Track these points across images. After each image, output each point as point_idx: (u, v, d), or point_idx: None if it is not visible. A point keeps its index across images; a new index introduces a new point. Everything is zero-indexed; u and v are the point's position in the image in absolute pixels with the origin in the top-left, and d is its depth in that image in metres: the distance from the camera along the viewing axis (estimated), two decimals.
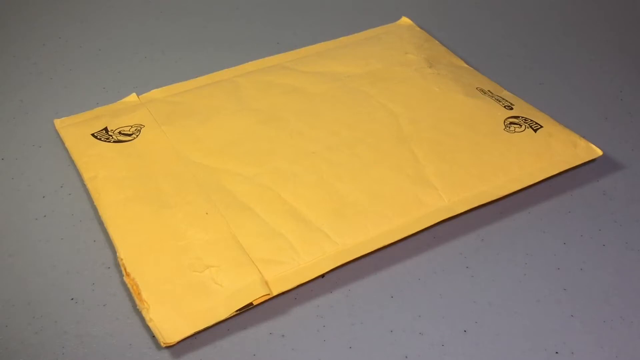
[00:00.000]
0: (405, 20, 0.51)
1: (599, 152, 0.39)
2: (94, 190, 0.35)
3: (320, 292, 0.32)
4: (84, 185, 0.37)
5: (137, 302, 0.30)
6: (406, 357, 0.29)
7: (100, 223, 0.35)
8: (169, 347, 0.29)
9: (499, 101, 0.42)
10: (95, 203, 0.35)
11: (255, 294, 0.30)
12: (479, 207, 0.36)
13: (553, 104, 0.44)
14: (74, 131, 0.39)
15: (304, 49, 0.48)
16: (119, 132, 0.39)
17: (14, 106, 0.43)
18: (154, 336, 0.30)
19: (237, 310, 0.29)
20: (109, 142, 0.38)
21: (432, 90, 0.42)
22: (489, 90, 0.43)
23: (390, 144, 0.38)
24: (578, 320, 0.31)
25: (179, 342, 0.29)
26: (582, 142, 0.39)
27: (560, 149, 0.38)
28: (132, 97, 0.42)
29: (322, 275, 0.32)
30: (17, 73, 0.46)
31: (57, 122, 0.40)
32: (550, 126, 0.40)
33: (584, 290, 0.32)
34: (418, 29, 0.50)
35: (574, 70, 0.48)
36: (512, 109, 0.41)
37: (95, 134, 0.39)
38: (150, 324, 0.29)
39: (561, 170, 0.38)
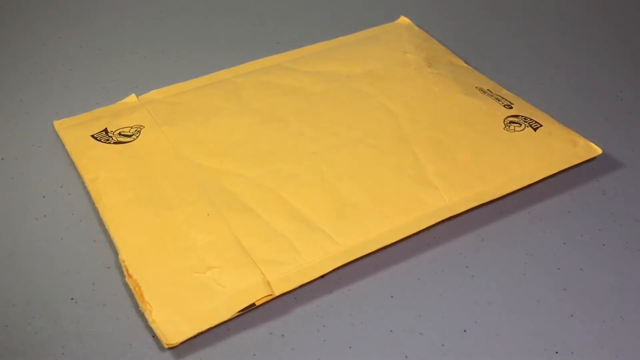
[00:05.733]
0: (403, 19, 0.51)
1: (599, 151, 0.39)
2: (94, 192, 0.35)
3: (320, 292, 0.32)
4: (83, 185, 0.37)
5: (140, 303, 0.30)
6: (406, 357, 0.29)
7: (101, 223, 0.35)
8: (171, 348, 0.29)
9: (499, 100, 0.42)
10: (96, 205, 0.35)
11: (258, 295, 0.30)
12: (479, 207, 0.36)
13: (553, 104, 0.44)
14: (74, 133, 0.39)
15: (303, 49, 0.48)
16: (119, 133, 0.39)
17: (14, 106, 0.43)
18: (154, 336, 0.30)
19: (239, 311, 0.29)
20: (109, 143, 0.38)
21: (431, 90, 0.42)
22: (488, 90, 0.43)
23: (391, 143, 0.38)
24: (578, 320, 0.31)
25: (181, 343, 0.29)
26: (582, 141, 0.39)
27: (560, 147, 0.38)
28: (132, 98, 0.42)
29: (322, 276, 0.32)
30: (17, 73, 0.46)
31: (57, 124, 0.40)
32: (549, 125, 0.40)
33: (584, 290, 0.32)
34: (417, 28, 0.50)
35: (574, 70, 0.48)
36: (511, 108, 0.41)
37: (95, 136, 0.39)
38: (153, 325, 0.29)
39: (561, 168, 0.38)
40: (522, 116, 0.40)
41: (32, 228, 0.35)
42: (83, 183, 0.37)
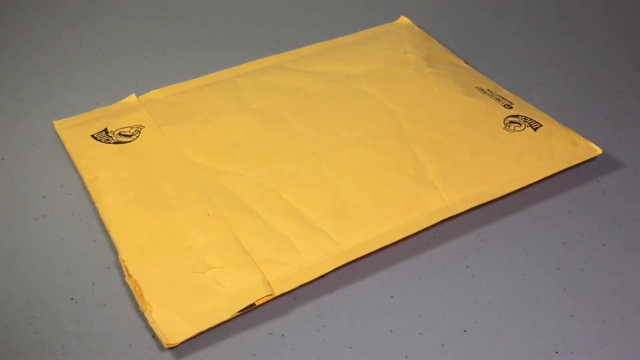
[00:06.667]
0: (403, 19, 0.51)
1: (599, 151, 0.39)
2: (94, 192, 0.35)
3: (320, 292, 0.32)
4: (83, 185, 0.37)
5: (140, 303, 0.30)
6: (406, 357, 0.29)
7: (101, 223, 0.35)
8: (171, 348, 0.29)
9: (499, 100, 0.42)
10: (96, 205, 0.35)
11: (258, 295, 0.30)
12: (479, 207, 0.36)
13: (553, 104, 0.44)
14: (74, 133, 0.39)
15: (303, 49, 0.48)
16: (119, 133, 0.39)
17: (14, 106, 0.43)
18: (154, 336, 0.30)
19: (239, 311, 0.29)
20: (109, 143, 0.38)
21: (431, 90, 0.42)
22: (488, 90, 0.43)
23: (391, 143, 0.38)
24: (578, 320, 0.31)
25: (181, 343, 0.29)
26: (582, 141, 0.39)
27: (560, 147, 0.38)
28: (132, 98, 0.42)
29: (322, 276, 0.32)
30: (17, 73, 0.46)
31: (57, 124, 0.40)
32: (549, 125, 0.40)
33: (584, 290, 0.32)
34: (417, 28, 0.50)
35: (574, 70, 0.48)
36: (511, 107, 0.41)
37: (95, 135, 0.39)
38: (153, 325, 0.29)
39: (561, 168, 0.38)
40: (522, 116, 0.40)
41: (32, 228, 0.35)
42: (83, 183, 0.37)
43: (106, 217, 0.34)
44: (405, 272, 0.33)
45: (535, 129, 0.39)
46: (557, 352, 0.30)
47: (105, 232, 0.34)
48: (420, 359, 0.29)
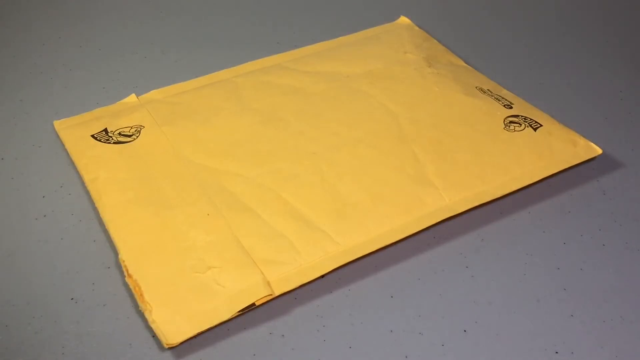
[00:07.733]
0: (403, 19, 0.51)
1: (599, 151, 0.39)
2: (94, 192, 0.35)
3: (320, 292, 0.32)
4: (83, 185, 0.37)
5: (140, 303, 0.30)
6: (406, 357, 0.29)
7: (101, 223, 0.35)
8: (171, 348, 0.29)
9: (499, 100, 0.42)
10: (96, 205, 0.35)
11: (258, 295, 0.30)
12: (479, 207, 0.36)
13: (553, 104, 0.44)
14: (74, 133, 0.39)
15: (303, 49, 0.48)
16: (119, 133, 0.39)
17: (14, 106, 0.43)
18: (154, 336, 0.30)
19: (239, 311, 0.29)
20: (109, 143, 0.38)
21: (431, 90, 0.42)
22: (488, 90, 0.43)
23: (391, 143, 0.38)
24: (578, 320, 0.31)
25: (181, 343, 0.29)
26: (582, 141, 0.39)
27: (560, 147, 0.38)
28: (132, 98, 0.42)
29: (322, 276, 0.32)
30: (17, 73, 0.46)
31: (57, 124, 0.40)
32: (549, 125, 0.40)
33: (584, 290, 0.32)
34: (417, 28, 0.50)
35: (574, 70, 0.48)
36: (511, 107, 0.41)
37: (95, 135, 0.39)
38: (153, 325, 0.29)
39: (561, 168, 0.38)
40: (522, 116, 0.40)
41: (32, 228, 0.35)
42: (83, 183, 0.37)
43: (106, 217, 0.34)
44: (405, 272, 0.33)
45: (535, 129, 0.39)
46: (557, 352, 0.30)
47: (105, 232, 0.34)
48: (420, 359, 0.29)
